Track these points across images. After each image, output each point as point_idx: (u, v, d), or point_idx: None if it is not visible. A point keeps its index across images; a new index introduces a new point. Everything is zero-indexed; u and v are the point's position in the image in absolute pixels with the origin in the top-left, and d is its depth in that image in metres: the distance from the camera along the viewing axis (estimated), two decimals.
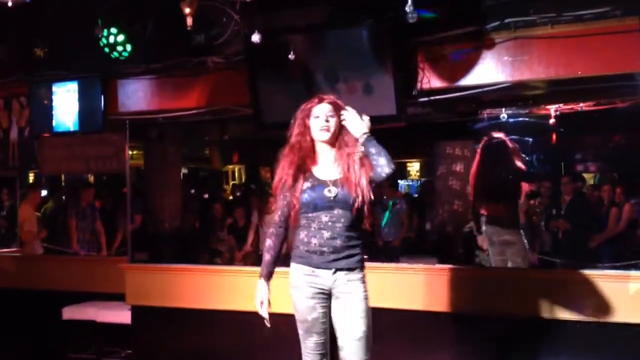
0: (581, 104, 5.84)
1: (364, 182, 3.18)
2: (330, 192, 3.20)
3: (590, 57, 4.15)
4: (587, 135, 9.22)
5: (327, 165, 3.29)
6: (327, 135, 3.25)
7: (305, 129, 3.29)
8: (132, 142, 6.33)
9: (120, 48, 4.99)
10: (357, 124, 3.26)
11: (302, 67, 4.73)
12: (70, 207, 7.78)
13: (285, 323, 4.91)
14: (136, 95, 5.65)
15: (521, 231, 5.56)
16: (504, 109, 6.07)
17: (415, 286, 4.74)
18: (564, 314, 4.45)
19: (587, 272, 4.44)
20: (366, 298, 3.22)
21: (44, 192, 9.06)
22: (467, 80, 4.54)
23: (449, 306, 4.71)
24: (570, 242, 7.00)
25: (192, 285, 5.39)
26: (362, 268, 3.26)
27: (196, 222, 8.37)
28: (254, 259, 7.58)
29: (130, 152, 6.36)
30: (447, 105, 5.27)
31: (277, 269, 3.38)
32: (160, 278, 5.51)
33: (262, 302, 3.32)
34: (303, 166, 3.28)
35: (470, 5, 4.35)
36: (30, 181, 8.70)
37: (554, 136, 7.31)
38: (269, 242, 3.37)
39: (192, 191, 10.12)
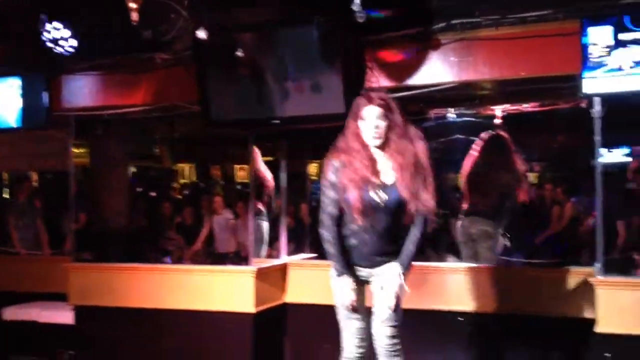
0: (525, 105, 5.96)
1: (411, 186, 3.24)
2: (379, 197, 3.28)
3: (532, 59, 4.25)
4: (531, 135, 9.43)
5: (378, 168, 3.34)
6: (377, 142, 3.31)
7: (355, 126, 3.34)
8: (78, 140, 6.21)
9: (64, 43, 4.88)
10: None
11: (251, 65, 4.70)
12: (8, 204, 7.58)
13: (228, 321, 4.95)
14: (81, 91, 5.54)
15: (499, 229, 5.60)
16: (451, 109, 6.16)
17: None
18: (510, 308, 4.58)
19: (532, 267, 4.58)
20: (398, 282, 3.30)
21: None
22: (414, 80, 4.59)
23: None
24: (516, 239, 7.18)
25: (138, 284, 5.32)
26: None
27: (144, 221, 8.26)
28: (204, 257, 7.54)
29: (76, 150, 6.23)
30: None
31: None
32: (106, 277, 5.43)
33: (352, 302, 3.35)
34: (358, 164, 3.30)
35: (417, 6, 4.40)
36: None
37: None
38: (329, 236, 3.37)
39: (139, 189, 9.98)
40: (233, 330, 5.00)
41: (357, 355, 3.42)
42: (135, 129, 7.80)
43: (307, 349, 5.17)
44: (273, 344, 5.19)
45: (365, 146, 3.33)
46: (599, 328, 4.11)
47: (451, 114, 6.17)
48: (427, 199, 3.27)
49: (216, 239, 7.72)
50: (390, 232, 3.33)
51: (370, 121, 3.29)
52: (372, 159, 3.33)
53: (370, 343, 3.43)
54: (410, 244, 3.32)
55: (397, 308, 3.33)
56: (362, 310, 3.43)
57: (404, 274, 3.30)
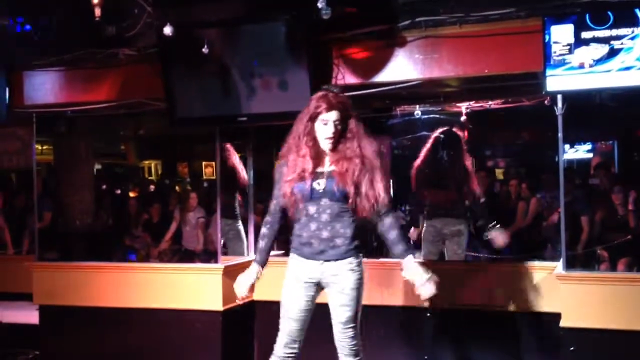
0: (490, 102, 6.04)
1: (355, 177, 3.26)
2: (319, 184, 3.31)
3: (496, 56, 4.28)
4: (496, 132, 9.56)
5: (321, 159, 3.37)
6: (330, 143, 3.32)
7: (311, 126, 3.34)
8: (41, 137, 6.11)
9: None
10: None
11: (217, 62, 4.68)
12: None
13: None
14: (43, 87, 5.44)
15: (467, 223, 5.64)
16: (417, 106, 6.21)
17: None
18: (475, 303, 4.64)
19: (497, 263, 4.65)
20: (354, 288, 3.33)
21: None
22: (380, 77, 4.60)
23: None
24: (482, 235, 7.25)
25: (104, 283, 5.27)
26: (354, 257, 3.34)
27: (110, 219, 8.17)
28: (171, 255, 7.47)
29: (40, 147, 6.13)
30: (362, 101, 5.33)
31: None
32: (71, 277, 5.36)
33: (242, 283, 3.45)
34: (300, 159, 3.34)
35: (383, 4, 4.42)
36: None
37: (466, 133, 7.54)
38: (263, 230, 3.49)
39: (104, 187, 9.87)
40: (201, 329, 4.97)
41: (284, 355, 3.42)
42: (100, 126, 7.72)
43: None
44: (242, 342, 5.18)
45: (315, 145, 3.36)
46: (564, 322, 4.17)
47: (417, 111, 6.22)
48: (374, 192, 3.29)
49: (184, 237, 7.66)
50: (338, 222, 3.30)
51: (329, 126, 3.31)
52: (317, 153, 3.35)
53: (301, 346, 3.43)
54: (397, 241, 3.33)
55: (357, 309, 3.37)
56: (302, 311, 3.39)
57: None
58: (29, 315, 5.48)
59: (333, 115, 3.31)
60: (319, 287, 3.39)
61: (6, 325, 5.64)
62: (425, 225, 5.70)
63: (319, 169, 3.36)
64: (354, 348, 3.40)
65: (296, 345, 3.41)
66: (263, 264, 3.48)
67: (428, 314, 4.75)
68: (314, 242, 3.33)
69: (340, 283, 3.33)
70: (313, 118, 3.34)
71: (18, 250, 7.19)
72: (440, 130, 5.74)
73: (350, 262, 3.34)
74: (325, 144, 3.34)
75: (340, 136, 3.34)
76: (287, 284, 3.44)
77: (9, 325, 5.63)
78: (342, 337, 3.39)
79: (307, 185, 3.31)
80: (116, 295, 5.18)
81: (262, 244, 3.48)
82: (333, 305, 3.38)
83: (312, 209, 3.32)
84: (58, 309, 5.34)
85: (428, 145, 5.68)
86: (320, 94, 3.40)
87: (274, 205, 3.46)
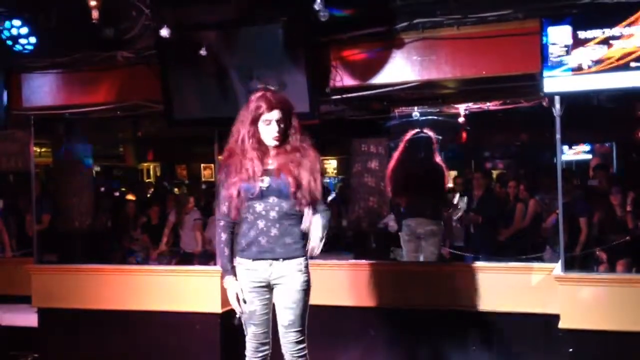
0: (488, 104, 6.04)
1: (301, 172, 3.25)
2: (263, 181, 3.26)
3: (493, 58, 4.28)
4: (495, 133, 9.57)
5: (266, 160, 3.33)
6: (277, 143, 3.30)
7: (254, 129, 3.30)
8: (40, 139, 6.10)
9: (23, 41, 4.79)
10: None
11: (215, 64, 4.68)
12: None
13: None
14: (41, 90, 5.43)
15: (442, 223, 5.72)
16: (415, 108, 6.21)
17: (330, 282, 4.79)
18: (475, 305, 4.63)
19: (496, 264, 4.66)
20: (301, 290, 3.29)
21: None
22: (378, 79, 4.59)
23: (363, 301, 4.81)
24: (481, 236, 7.27)
25: (103, 286, 5.26)
26: (303, 257, 3.30)
27: (108, 221, 8.16)
28: (169, 258, 7.47)
29: (39, 150, 6.13)
30: (360, 103, 5.35)
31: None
32: (70, 279, 5.36)
33: (237, 297, 3.33)
34: (248, 161, 3.28)
35: (380, 5, 4.42)
36: None
37: (464, 134, 7.57)
38: (225, 236, 3.38)
39: (102, 189, 9.86)
40: (200, 331, 4.97)
41: (255, 359, 3.40)
42: (98, 129, 7.71)
43: (275, 347, 5.15)
44: (241, 344, 5.16)
45: (260, 146, 3.32)
46: (562, 324, 4.17)
47: (415, 113, 6.23)
48: (313, 186, 3.26)
49: (182, 239, 7.66)
50: (287, 220, 3.27)
51: (273, 125, 3.28)
52: (263, 154, 3.32)
53: (273, 345, 3.40)
54: (315, 229, 3.27)
55: (303, 313, 3.31)
56: (262, 315, 3.35)
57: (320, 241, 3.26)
58: (28, 318, 5.47)
59: (275, 114, 3.28)
60: (270, 288, 3.34)
61: (5, 328, 5.62)
62: (402, 225, 5.76)
63: (262, 168, 3.29)
64: (298, 354, 3.32)
65: (266, 347, 3.40)
66: (235, 272, 3.38)
67: (427, 316, 4.75)
68: (261, 240, 3.27)
69: (287, 284, 3.28)
70: (255, 120, 3.30)
71: (16, 254, 7.16)
72: (411, 133, 5.77)
73: (299, 262, 3.30)
74: (272, 143, 3.31)
75: (285, 134, 3.32)
76: (242, 290, 3.35)
77: (8, 328, 5.62)
78: (285, 341, 3.32)
79: (252, 184, 3.26)
80: (115, 298, 5.18)
81: (227, 251, 3.36)
82: (278, 307, 3.32)
83: (259, 207, 3.27)
84: (57, 312, 5.33)
85: (400, 148, 5.75)
86: (258, 94, 3.37)
87: (227, 207, 3.34)
